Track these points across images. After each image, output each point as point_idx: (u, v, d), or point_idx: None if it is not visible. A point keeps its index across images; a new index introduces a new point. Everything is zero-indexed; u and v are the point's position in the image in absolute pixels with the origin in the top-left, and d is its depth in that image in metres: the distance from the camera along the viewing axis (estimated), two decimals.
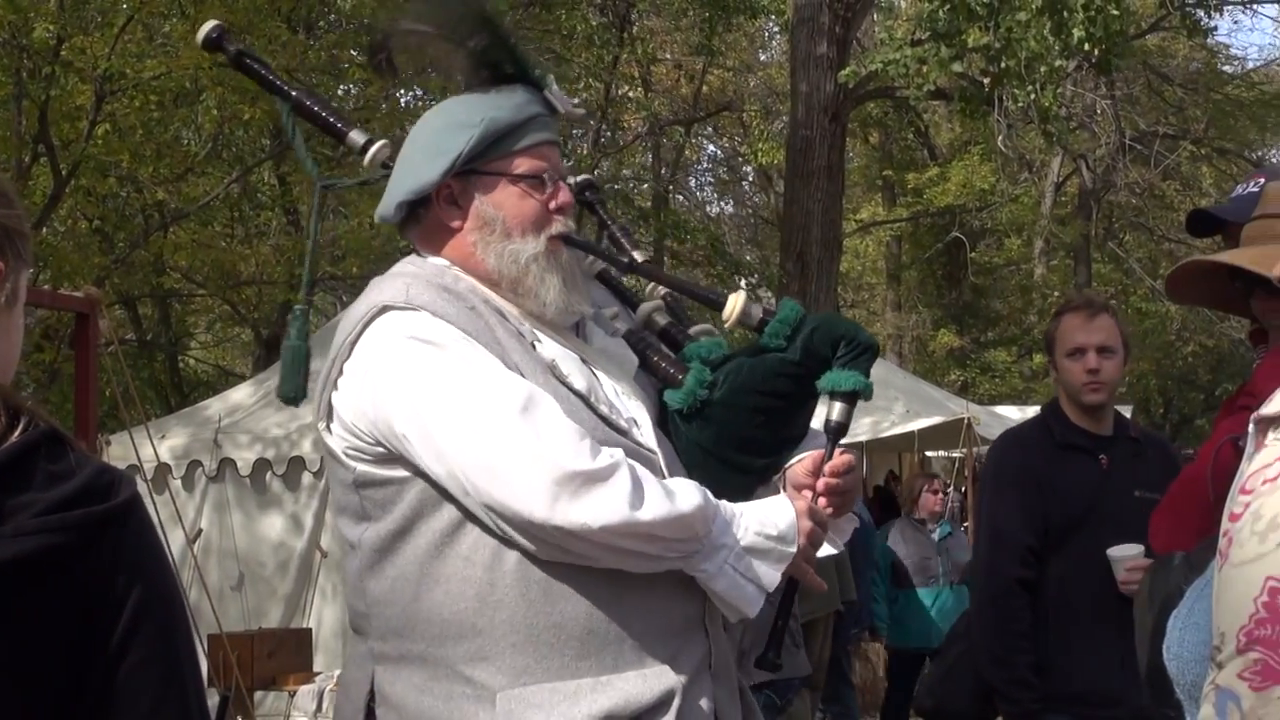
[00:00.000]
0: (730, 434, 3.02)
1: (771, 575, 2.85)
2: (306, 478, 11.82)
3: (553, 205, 2.98)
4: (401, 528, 2.79)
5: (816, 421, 3.17)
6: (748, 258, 32.71)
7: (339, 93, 19.38)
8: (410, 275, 2.92)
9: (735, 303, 3.04)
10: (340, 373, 2.86)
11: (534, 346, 2.89)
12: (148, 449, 10.33)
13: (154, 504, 9.77)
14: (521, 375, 2.78)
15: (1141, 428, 5.30)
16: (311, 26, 19.66)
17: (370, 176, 3.37)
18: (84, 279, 14.12)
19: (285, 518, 12.02)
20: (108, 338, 8.84)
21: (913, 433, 17.95)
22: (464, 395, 2.71)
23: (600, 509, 2.63)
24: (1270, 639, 1.94)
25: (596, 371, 2.99)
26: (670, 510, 2.69)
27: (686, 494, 2.75)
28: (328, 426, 2.89)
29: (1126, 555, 4.78)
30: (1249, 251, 3.44)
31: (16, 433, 1.79)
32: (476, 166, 2.94)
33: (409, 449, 2.74)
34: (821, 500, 3.01)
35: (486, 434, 2.67)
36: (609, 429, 2.87)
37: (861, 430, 18.30)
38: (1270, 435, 2.11)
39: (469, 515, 2.74)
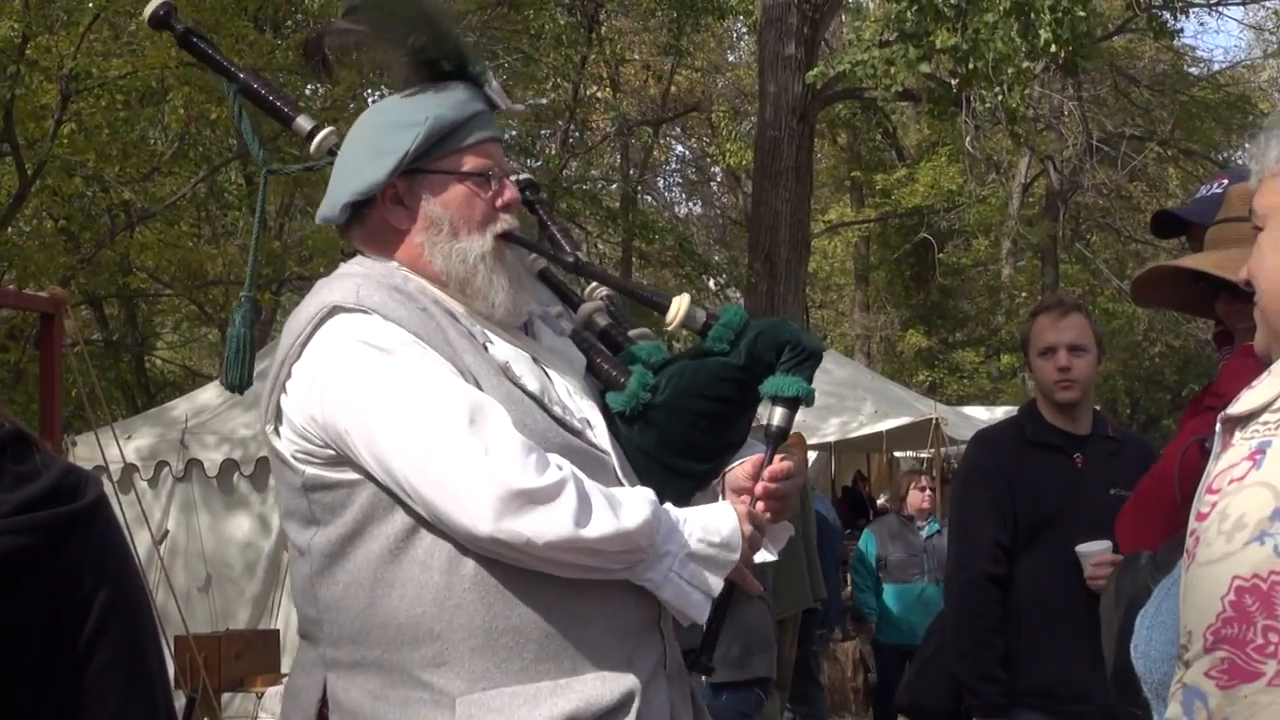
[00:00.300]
0: (672, 438, 3.00)
1: (715, 581, 2.83)
2: (274, 479, 11.80)
3: (499, 203, 2.95)
4: (353, 531, 2.75)
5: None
6: (716, 258, 32.73)
7: (306, 92, 19.33)
8: (360, 276, 2.87)
9: (679, 306, 3.02)
10: (289, 375, 2.81)
11: (486, 348, 2.86)
12: (114, 449, 10.28)
13: (120, 505, 9.73)
14: (475, 379, 2.76)
15: (1120, 429, 5.34)
16: (279, 26, 19.62)
17: (316, 163, 3.33)
18: (49, 279, 14.05)
19: (252, 518, 11.98)
20: (73, 338, 8.80)
21: (881, 433, 18.01)
22: (412, 404, 2.67)
23: (544, 526, 2.60)
24: (1237, 638, 1.95)
25: (549, 371, 2.96)
26: (615, 527, 2.67)
27: (634, 507, 2.72)
28: (275, 429, 2.84)
29: (1094, 550, 4.80)
30: (1213, 255, 3.45)
31: None
32: (422, 165, 2.89)
33: (356, 455, 2.71)
34: (760, 505, 2.98)
35: (433, 446, 2.63)
36: (563, 430, 2.84)
37: (830, 431, 18.35)
38: (1236, 435, 2.12)
39: (421, 519, 2.71)
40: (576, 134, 30.52)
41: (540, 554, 2.63)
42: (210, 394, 13.37)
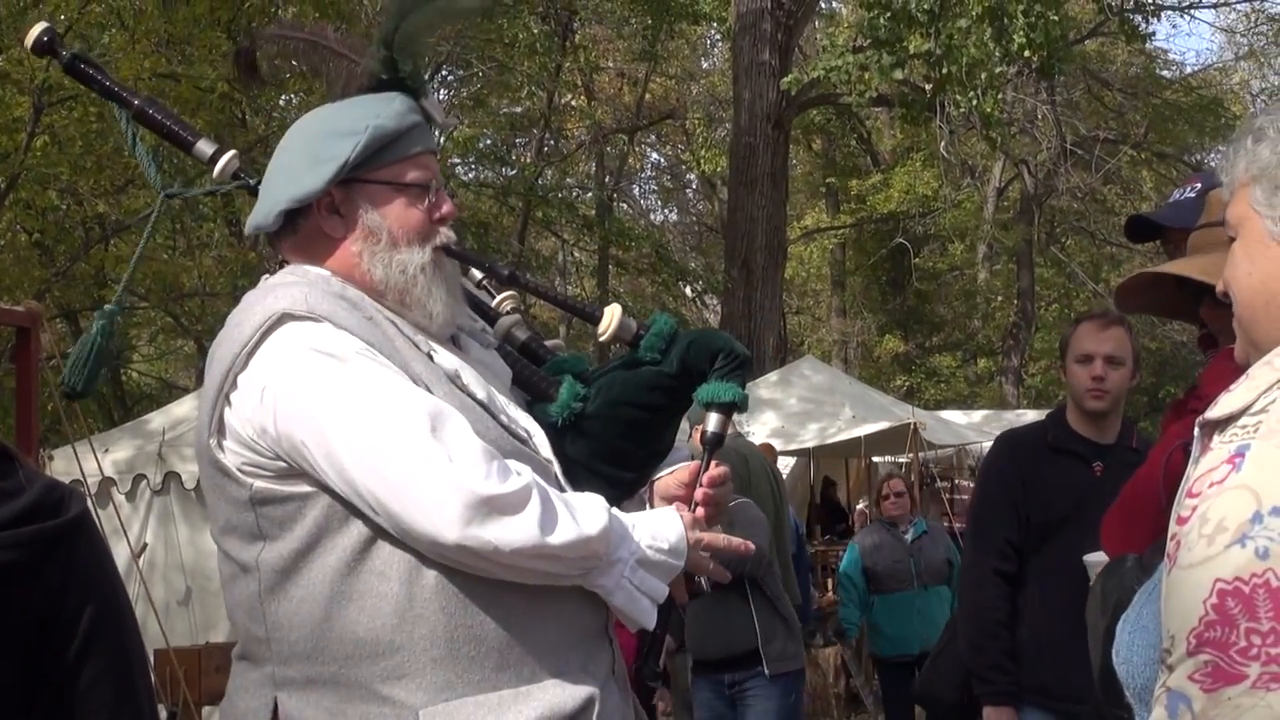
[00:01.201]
0: (603, 447, 3.00)
1: (663, 588, 2.84)
2: None
3: (437, 215, 2.92)
4: (306, 545, 2.69)
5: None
6: (692, 265, 32.78)
7: (280, 102, 19.32)
8: (305, 284, 2.80)
9: (612, 316, 3.03)
10: (234, 385, 2.73)
11: (431, 357, 2.84)
12: (91, 463, 10.24)
13: (98, 518, 9.69)
14: (426, 386, 2.73)
15: (1148, 440, 5.40)
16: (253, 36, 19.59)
17: (219, 186, 3.31)
18: (24, 293, 14.03)
19: None
20: (49, 351, 8.77)
21: (859, 438, 18.01)
22: (371, 413, 2.62)
23: (511, 533, 2.58)
24: (1220, 640, 1.95)
25: (487, 382, 2.95)
26: (577, 534, 2.66)
27: (592, 514, 2.71)
28: (218, 442, 2.75)
29: (1101, 561, 4.81)
30: (1197, 260, 3.46)
31: None
32: (361, 175, 2.85)
33: (312, 465, 2.67)
34: (700, 510, 2.98)
35: (395, 454, 2.59)
36: (512, 439, 2.83)
37: (808, 436, 18.36)
38: (1215, 439, 2.13)
39: (379, 530, 2.66)
40: (552, 142, 30.56)
41: (505, 561, 2.61)
42: (187, 406, 13.33)
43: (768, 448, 12.46)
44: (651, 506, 3.08)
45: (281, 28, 3.12)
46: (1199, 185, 3.86)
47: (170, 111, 3.50)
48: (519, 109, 28.80)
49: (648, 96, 32.07)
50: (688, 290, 30.21)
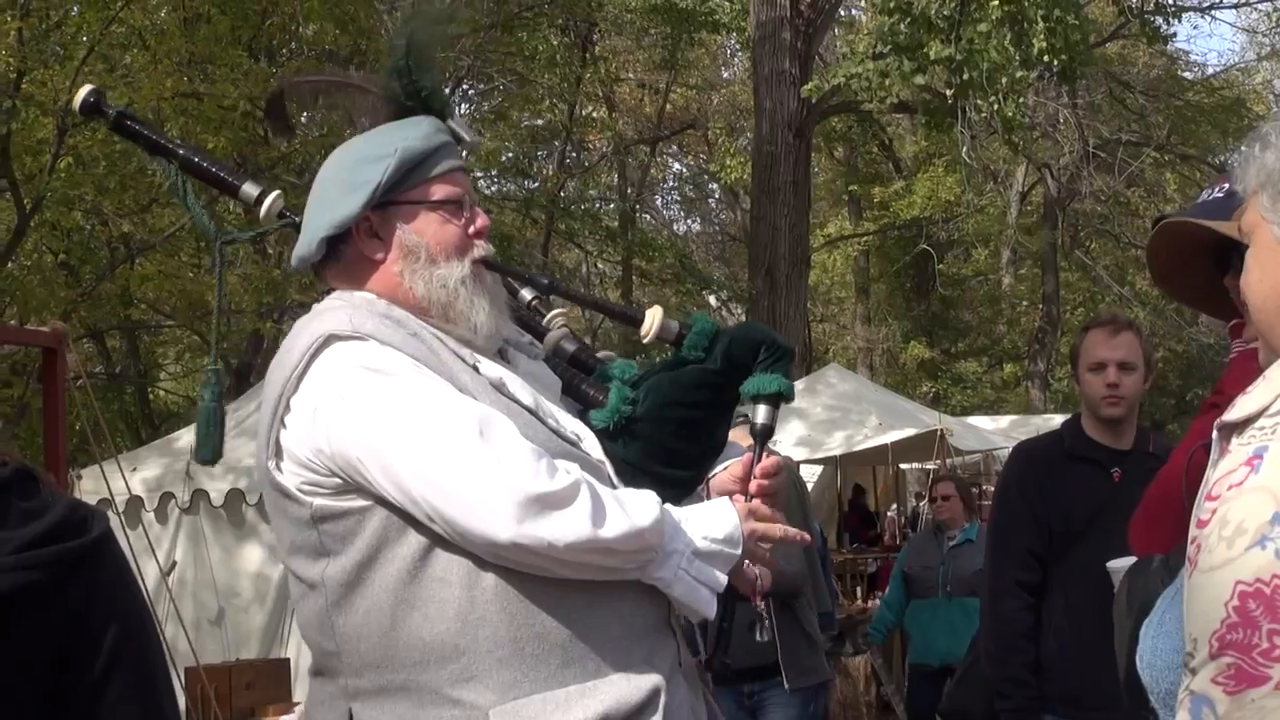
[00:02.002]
0: (655, 448, 3.07)
1: (721, 577, 2.88)
2: None
3: (472, 230, 2.99)
4: (368, 558, 2.75)
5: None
6: (716, 274, 32.76)
7: (303, 119, 19.38)
8: (348, 306, 2.88)
9: (653, 318, 3.11)
10: (288, 409, 2.81)
11: (476, 369, 2.90)
12: (119, 482, 10.28)
13: (127, 537, 9.73)
14: (473, 397, 2.78)
15: (1165, 443, 5.39)
16: (274, 54, 19.65)
17: (267, 228, 3.42)
18: (50, 313, 14.07)
19: (261, 547, 11.95)
20: (76, 371, 8.81)
21: (886, 446, 17.98)
22: (421, 422, 2.69)
23: (564, 528, 2.64)
24: (1242, 643, 1.95)
25: (535, 390, 3.01)
26: (630, 525, 2.71)
27: (643, 507, 2.77)
28: (277, 465, 2.83)
29: (1126, 567, 4.80)
30: (1226, 223, 3.44)
31: None
32: (394, 197, 2.93)
33: (368, 479, 2.73)
34: (755, 501, 3.04)
35: (447, 460, 2.65)
36: (561, 441, 2.89)
37: (835, 444, 18.34)
38: (1234, 441, 2.13)
39: (436, 537, 2.71)
40: (573, 154, 30.59)
41: (560, 556, 2.66)
42: None
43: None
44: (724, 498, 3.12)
45: (307, 74, 3.18)
46: (1226, 185, 3.85)
47: (215, 159, 3.62)
48: (540, 121, 28.84)
49: (669, 107, 32.08)
50: (712, 300, 30.19)
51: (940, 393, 34.49)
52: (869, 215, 35.10)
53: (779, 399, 3.10)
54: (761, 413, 3.11)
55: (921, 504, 22.29)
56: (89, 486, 10.85)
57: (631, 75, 32.12)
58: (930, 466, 18.92)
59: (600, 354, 3.33)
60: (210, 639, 11.55)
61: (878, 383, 26.89)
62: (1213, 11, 32.10)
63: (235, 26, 16.46)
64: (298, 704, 10.09)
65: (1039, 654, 5.21)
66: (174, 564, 11.67)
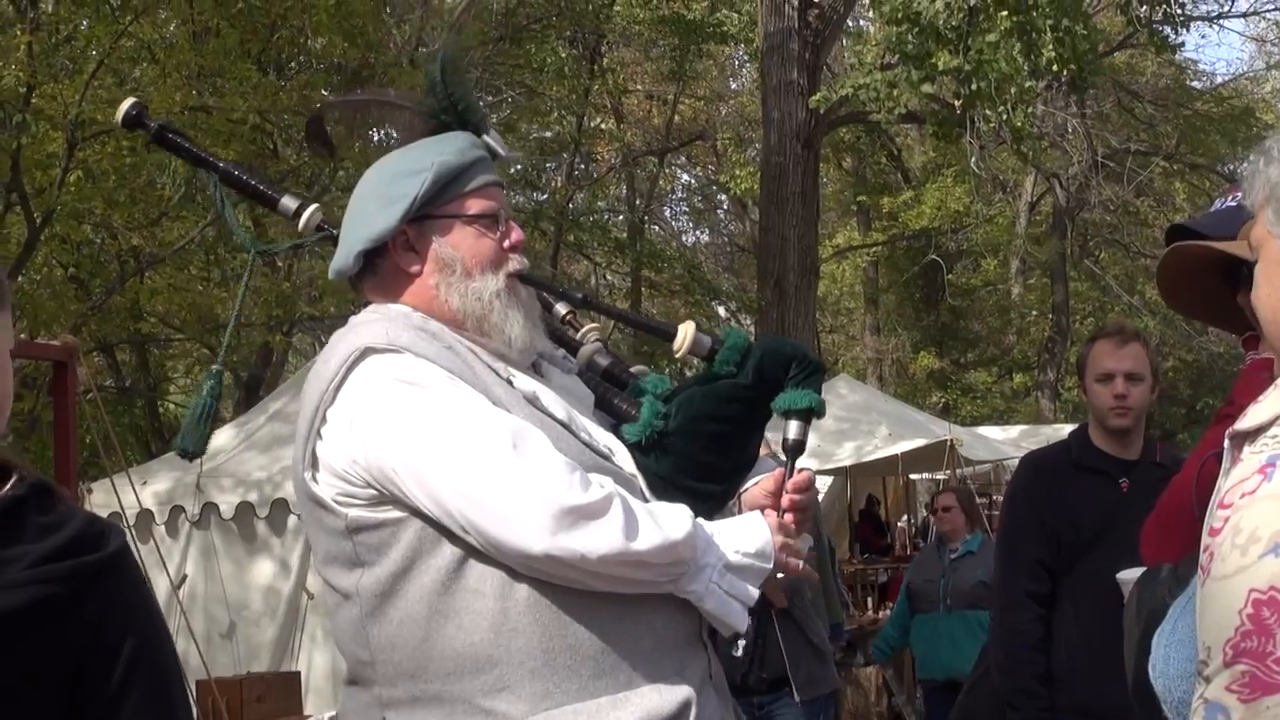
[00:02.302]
0: (687, 462, 3.09)
1: (753, 591, 2.91)
2: (291, 520, 11.75)
3: (507, 244, 3.03)
4: (402, 568, 2.79)
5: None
6: (725, 285, 32.77)
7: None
8: (384, 319, 2.92)
9: (685, 333, 3.14)
10: (324, 420, 2.85)
11: (510, 382, 2.93)
12: (130, 495, 10.29)
13: (138, 551, 9.72)
14: (507, 410, 2.81)
15: (1172, 453, 5.40)
16: (282, 68, 19.68)
17: (305, 240, 3.47)
18: (60, 326, 14.08)
19: (271, 560, 11.96)
20: (86, 385, 8.83)
21: (896, 456, 17.99)
22: (455, 435, 2.72)
23: (597, 540, 2.67)
24: (1256, 651, 1.95)
25: (568, 404, 3.04)
26: (662, 538, 2.74)
27: (676, 520, 2.79)
28: (313, 476, 2.86)
29: (1135, 578, 4.80)
30: (1236, 243, 3.45)
31: (7, 486, 1.80)
32: (430, 211, 2.97)
33: (404, 491, 2.75)
34: (787, 516, 3.07)
35: (481, 472, 2.68)
36: (594, 455, 2.92)
37: (845, 455, 18.34)
38: (1246, 450, 2.13)
39: (470, 549, 2.75)
40: (582, 166, 30.61)
41: (593, 568, 2.69)
42: (225, 437, 13.38)
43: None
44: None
45: (345, 93, 3.26)
46: (1239, 194, 3.84)
47: (254, 172, 3.71)
48: (549, 134, 28.86)
49: (676, 118, 32.09)
50: (721, 310, 30.21)
51: (950, 403, 34.49)
52: (878, 226, 35.11)
53: (810, 414, 3.14)
54: (793, 428, 3.15)
55: (933, 515, 22.30)
56: (99, 500, 10.86)
57: (640, 87, 32.13)
58: (941, 476, 18.92)
59: (634, 369, 3.37)
60: (221, 652, 11.56)
61: (887, 393, 26.89)
62: (1221, 21, 32.09)
63: (244, 40, 16.47)
64: (309, 717, 10.10)
65: (1049, 664, 5.21)
66: (185, 577, 11.67)
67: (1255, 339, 3.70)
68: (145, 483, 11.99)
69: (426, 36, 23.69)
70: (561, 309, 3.46)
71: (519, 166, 27.81)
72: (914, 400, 30.25)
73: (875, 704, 12.99)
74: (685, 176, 38.97)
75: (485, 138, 3.10)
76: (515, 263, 3.03)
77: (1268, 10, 33.66)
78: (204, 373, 3.49)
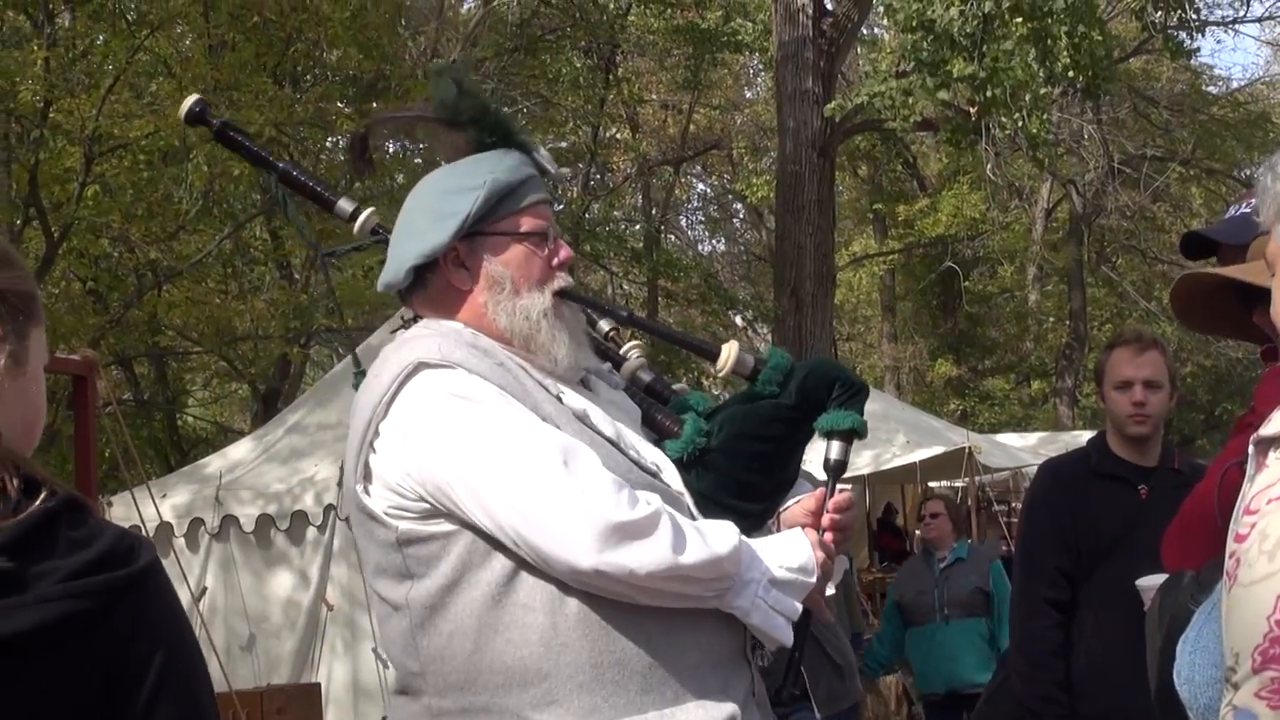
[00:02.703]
0: (728, 480, 3.12)
1: (796, 606, 2.94)
2: (310, 532, 11.78)
3: (555, 262, 3.06)
4: (452, 581, 2.82)
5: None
6: (741, 294, 32.76)
7: (327, 144, 19.42)
8: (437, 335, 2.95)
9: (729, 352, 3.17)
10: (376, 434, 2.88)
11: (560, 399, 2.96)
12: (150, 508, 10.30)
13: None
14: (556, 427, 2.85)
15: (1190, 460, 5.39)
16: (298, 80, 19.73)
17: (363, 242, 3.53)
18: (79, 340, 14.13)
19: (291, 572, 11.97)
20: (105, 399, 8.84)
21: (914, 464, 17.96)
22: (507, 451, 2.75)
23: (645, 556, 2.69)
24: None
25: (616, 420, 3.07)
26: (709, 554, 2.77)
27: (722, 536, 2.82)
28: (365, 488, 2.90)
29: (1154, 584, 4.78)
30: (1247, 266, 3.45)
31: (38, 501, 1.80)
32: (482, 228, 3.00)
33: (455, 504, 2.79)
34: (828, 536, 3.09)
35: (532, 488, 2.72)
36: (641, 471, 2.95)
37: (863, 463, 18.30)
38: (1271, 455, 2.12)
39: (521, 562, 2.78)
40: (598, 176, 30.63)
41: (641, 583, 2.72)
42: (243, 449, 13.41)
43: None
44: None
45: (391, 110, 3.32)
46: (1254, 200, 3.84)
47: (311, 174, 3.80)
48: (564, 144, 28.88)
49: (692, 128, 32.11)
50: (738, 319, 30.21)
51: (968, 410, 34.43)
52: (894, 233, 35.06)
53: (852, 435, 3.17)
54: (835, 448, 3.18)
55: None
56: (119, 513, 10.87)
57: (654, 96, 32.16)
58: (959, 484, 18.89)
59: (676, 386, 3.42)
60: (242, 664, 11.57)
61: (905, 401, 26.84)
62: (1236, 25, 32.05)
63: (259, 53, 16.53)
64: None
65: (1069, 671, 5.20)
66: (205, 590, 11.68)
67: (1274, 350, 3.70)
68: (165, 495, 12.00)
69: (441, 48, 23.75)
70: (605, 325, 3.51)
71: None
72: (931, 408, 30.22)
73: (895, 712, 12.98)
74: (701, 186, 39.01)
75: (535, 155, 3.13)
76: (561, 280, 3.06)
77: None
78: (352, 379, 3.55)
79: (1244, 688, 1.98)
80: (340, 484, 11.28)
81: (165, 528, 11.41)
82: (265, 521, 11.95)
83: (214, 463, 13.45)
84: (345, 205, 3.51)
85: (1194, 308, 3.76)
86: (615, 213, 31.67)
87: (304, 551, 11.85)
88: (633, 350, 3.47)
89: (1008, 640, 6.79)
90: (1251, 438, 2.19)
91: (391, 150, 20.94)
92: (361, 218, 3.48)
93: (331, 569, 11.65)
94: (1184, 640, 2.48)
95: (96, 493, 8.62)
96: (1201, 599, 2.55)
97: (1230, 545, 2.10)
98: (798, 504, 3.24)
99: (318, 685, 11.13)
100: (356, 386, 3.49)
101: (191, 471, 13.69)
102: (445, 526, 2.82)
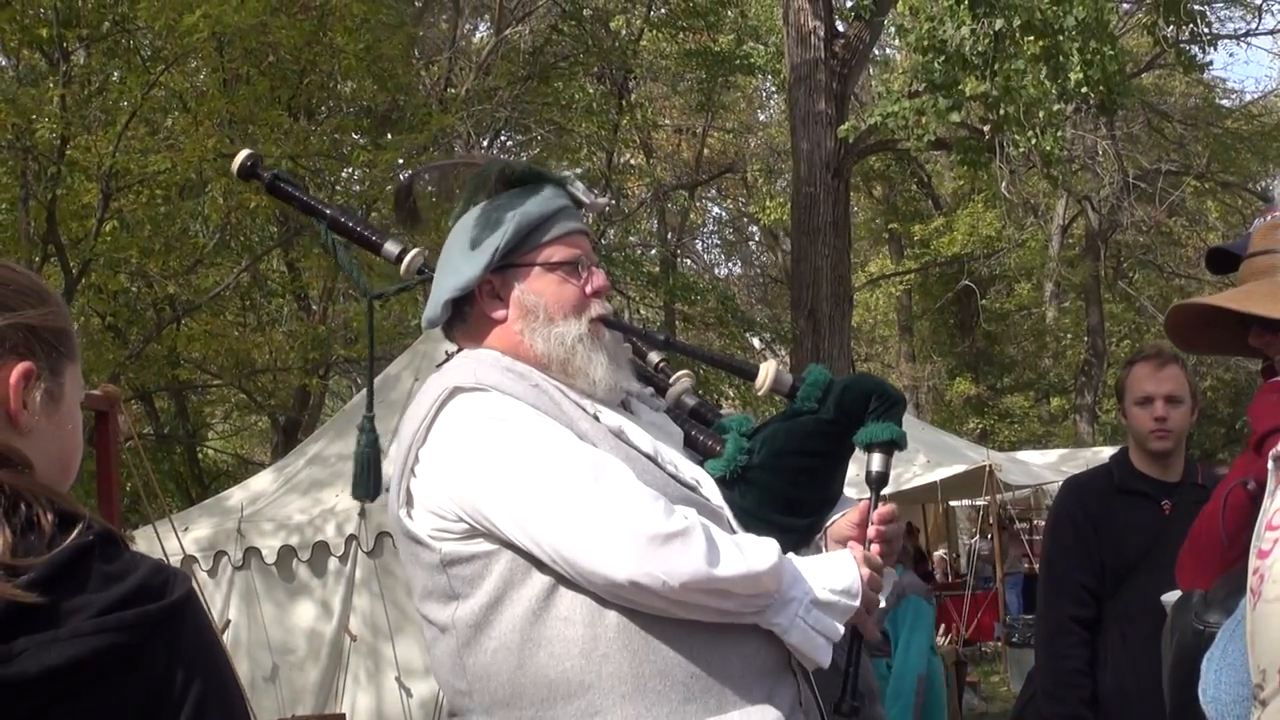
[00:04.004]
0: (772, 496, 3.17)
1: (838, 627, 2.96)
2: (332, 563, 11.79)
3: (589, 289, 3.13)
4: (495, 599, 2.87)
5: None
6: (759, 317, 32.75)
7: (343, 175, 19.48)
8: (474, 361, 3.03)
9: (767, 371, 3.23)
10: (417, 459, 2.94)
11: (597, 418, 3.01)
12: (172, 542, 10.32)
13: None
14: (592, 444, 2.90)
15: (1213, 474, 5.39)
16: (312, 113, 19.79)
17: (410, 282, 3.63)
18: (100, 376, 14.15)
19: (313, 603, 11.98)
20: (127, 433, 8.87)
21: (935, 483, 17.93)
22: (542, 467, 2.81)
23: (680, 566, 2.72)
24: None
25: (655, 438, 3.12)
26: (745, 568, 2.79)
27: (762, 552, 2.85)
28: (408, 513, 2.97)
29: None
30: (1235, 292, 3.47)
31: (72, 535, 1.82)
32: (513, 259, 3.08)
33: (495, 525, 2.84)
34: (874, 548, 3.13)
35: (567, 502, 2.77)
36: (679, 486, 2.98)
37: None
38: None
39: (560, 577, 2.82)
40: (613, 201, 30.64)
41: (676, 595, 2.75)
42: (264, 481, 13.42)
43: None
44: (827, 552, 3.22)
45: (437, 160, 3.44)
46: (1276, 213, 3.85)
47: (360, 219, 3.85)
48: (578, 170, 28.94)
49: (706, 151, 32.15)
50: (756, 342, 30.17)
51: (987, 428, 34.38)
52: (910, 253, 35.07)
53: (893, 446, 3.21)
54: (876, 461, 3.22)
55: (973, 541, 22.18)
56: (142, 547, 10.81)
57: (668, 121, 32.20)
58: (980, 503, 18.86)
59: (722, 410, 3.47)
60: (266, 696, 11.57)
61: (924, 420, 26.80)
62: (1248, 38, 32.04)
63: (274, 86, 16.59)
64: None
65: (1096, 689, 5.18)
66: (228, 622, 11.70)
67: (1272, 368, 3.71)
68: (187, 529, 12.02)
69: (455, 77, 23.81)
70: (655, 357, 3.60)
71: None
72: (951, 427, 30.19)
73: None
74: (716, 209, 39.05)
75: (569, 187, 3.20)
76: (598, 307, 3.13)
77: None
78: (360, 423, 3.65)
79: (1273, 704, 1.98)
80: (361, 514, 11.33)
81: (188, 561, 11.42)
82: (287, 553, 11.96)
83: (235, 495, 13.47)
84: (392, 248, 3.61)
85: (1193, 332, 3.78)
86: (631, 238, 31.69)
87: (326, 582, 11.86)
88: (682, 379, 3.53)
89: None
90: (1271, 453, 2.19)
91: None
92: (408, 257, 3.57)
93: (354, 599, 11.65)
94: (1209, 657, 2.47)
95: (120, 527, 8.63)
96: (1208, 618, 2.56)
97: (1254, 562, 2.09)
98: (844, 517, 3.28)
99: (342, 716, 11.13)
100: (363, 429, 3.59)
101: (213, 504, 13.70)
102: (486, 545, 2.87)
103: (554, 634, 2.83)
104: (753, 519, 3.09)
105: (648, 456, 2.99)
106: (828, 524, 3.30)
